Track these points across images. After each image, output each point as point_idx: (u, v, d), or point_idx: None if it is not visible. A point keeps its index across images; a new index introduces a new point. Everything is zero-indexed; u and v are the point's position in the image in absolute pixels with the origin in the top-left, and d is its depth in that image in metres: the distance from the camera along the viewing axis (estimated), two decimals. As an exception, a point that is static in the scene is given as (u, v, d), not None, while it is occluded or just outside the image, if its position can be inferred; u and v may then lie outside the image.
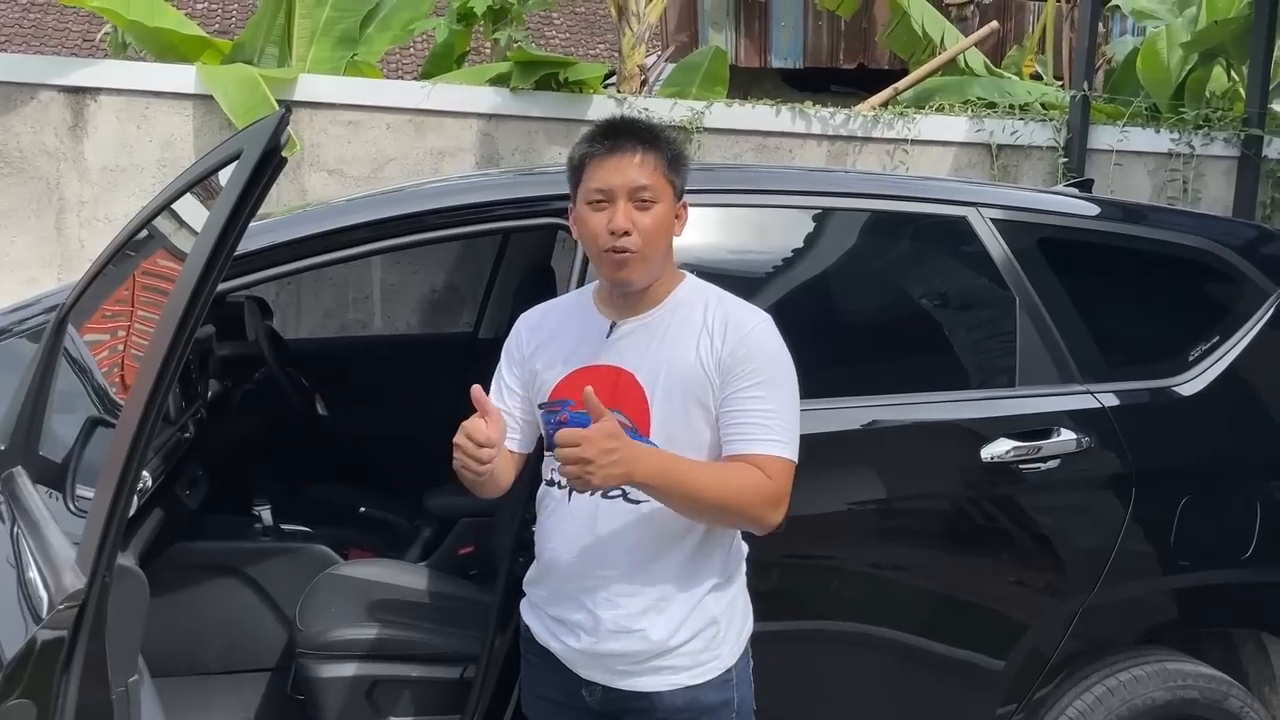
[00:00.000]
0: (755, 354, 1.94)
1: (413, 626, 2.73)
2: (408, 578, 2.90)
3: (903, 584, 2.64)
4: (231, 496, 3.38)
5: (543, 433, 2.04)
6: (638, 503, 1.94)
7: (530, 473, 2.15)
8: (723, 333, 1.95)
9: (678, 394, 1.94)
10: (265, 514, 3.37)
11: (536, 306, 2.18)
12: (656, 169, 1.95)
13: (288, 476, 3.62)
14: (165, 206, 1.96)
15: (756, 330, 1.97)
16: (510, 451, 2.09)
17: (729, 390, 1.93)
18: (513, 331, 2.13)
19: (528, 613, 2.12)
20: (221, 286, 1.69)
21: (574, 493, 1.96)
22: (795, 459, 1.95)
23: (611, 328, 2.01)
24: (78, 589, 1.42)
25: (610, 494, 1.94)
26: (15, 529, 1.95)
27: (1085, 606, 2.67)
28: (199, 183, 1.75)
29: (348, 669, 2.67)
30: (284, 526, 3.41)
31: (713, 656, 2.00)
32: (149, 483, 2.37)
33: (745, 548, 2.09)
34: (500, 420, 1.94)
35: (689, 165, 2.03)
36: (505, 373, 2.11)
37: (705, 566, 1.99)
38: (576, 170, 1.99)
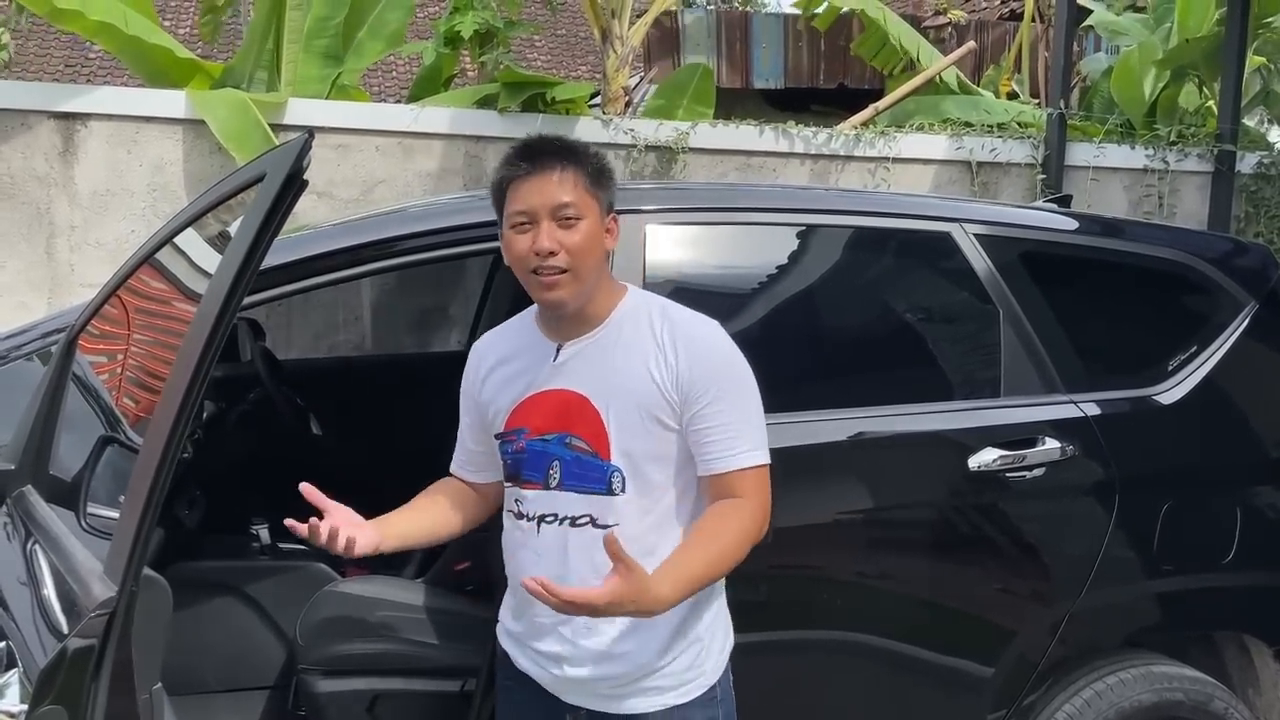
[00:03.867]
0: (713, 367, 1.93)
1: (413, 641, 2.75)
2: (406, 594, 2.91)
3: (893, 593, 2.67)
4: (229, 516, 3.40)
5: (501, 463, 2.03)
6: (606, 526, 1.91)
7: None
8: (674, 348, 1.92)
9: (634, 413, 1.92)
10: (263, 533, 3.38)
11: (485, 334, 2.16)
12: (578, 185, 1.91)
13: (284, 495, 3.63)
14: (185, 227, 2.00)
15: (708, 341, 1.96)
16: (478, 484, 2.13)
17: (693, 410, 1.91)
18: (466, 363, 2.13)
19: (505, 639, 2.11)
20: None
21: (543, 523, 1.95)
22: (767, 459, 1.95)
23: (558, 350, 1.98)
24: (109, 597, 1.45)
25: (579, 521, 1.93)
26: (31, 545, 1.99)
27: (1072, 612, 2.71)
28: (221, 204, 1.79)
29: (349, 684, 2.69)
30: (282, 545, 3.42)
31: (698, 674, 1.99)
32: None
33: None
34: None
35: (614, 179, 2.00)
36: (461, 407, 2.12)
37: None
38: (499, 194, 1.96)
